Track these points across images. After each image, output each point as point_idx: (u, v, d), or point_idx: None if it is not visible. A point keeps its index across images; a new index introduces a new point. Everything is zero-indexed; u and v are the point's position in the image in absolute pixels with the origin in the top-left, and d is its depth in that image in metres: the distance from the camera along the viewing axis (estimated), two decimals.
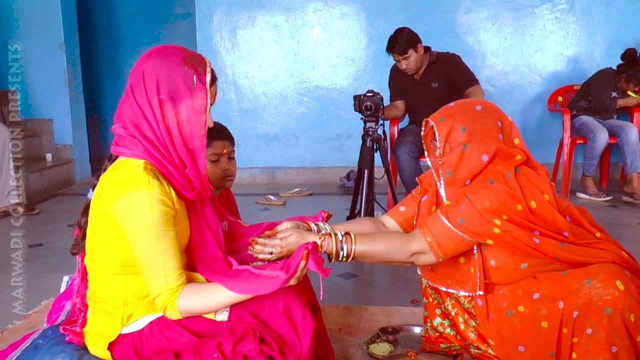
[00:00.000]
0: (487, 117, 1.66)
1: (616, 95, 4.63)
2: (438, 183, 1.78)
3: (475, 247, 1.66)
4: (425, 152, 1.82)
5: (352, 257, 1.61)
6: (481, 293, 1.69)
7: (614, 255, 1.61)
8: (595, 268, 1.54)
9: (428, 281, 1.87)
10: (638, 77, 4.56)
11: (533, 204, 1.59)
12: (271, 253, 1.56)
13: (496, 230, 1.57)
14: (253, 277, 1.38)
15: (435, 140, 1.70)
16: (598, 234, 1.69)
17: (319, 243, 1.57)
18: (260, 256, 1.58)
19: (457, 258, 1.72)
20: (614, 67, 4.65)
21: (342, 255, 1.61)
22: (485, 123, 1.65)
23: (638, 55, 4.56)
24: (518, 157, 1.65)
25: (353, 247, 1.60)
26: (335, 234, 1.62)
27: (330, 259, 1.62)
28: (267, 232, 1.67)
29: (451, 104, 1.75)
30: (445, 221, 1.61)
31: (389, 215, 1.96)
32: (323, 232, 1.70)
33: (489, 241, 1.58)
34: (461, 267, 1.72)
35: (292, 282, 1.38)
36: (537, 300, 1.61)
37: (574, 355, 1.53)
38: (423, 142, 1.81)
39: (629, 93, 4.71)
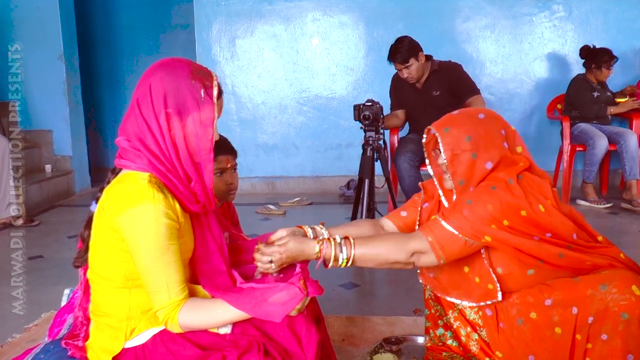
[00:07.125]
0: (491, 125, 1.67)
1: (598, 94, 4.67)
2: (440, 191, 1.78)
3: (483, 253, 1.65)
4: (427, 160, 1.81)
5: (352, 261, 1.57)
6: (489, 302, 1.67)
7: (615, 259, 1.61)
8: (610, 273, 1.54)
9: (432, 290, 1.85)
10: (605, 60, 4.61)
11: (541, 208, 1.58)
12: (271, 262, 1.52)
13: (487, 238, 1.56)
14: (256, 298, 1.37)
15: (438, 150, 1.70)
16: (600, 238, 1.70)
17: (316, 249, 1.55)
18: (259, 265, 1.53)
19: (462, 267, 1.71)
20: (585, 72, 4.76)
21: (342, 259, 1.57)
22: (490, 131, 1.65)
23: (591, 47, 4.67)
24: (521, 164, 1.65)
25: (352, 251, 1.57)
26: (334, 239, 1.58)
27: (325, 265, 1.58)
28: (261, 243, 1.59)
29: (454, 112, 1.74)
30: (444, 223, 1.58)
31: (389, 219, 1.92)
32: (320, 237, 1.67)
33: (487, 237, 1.55)
34: (466, 277, 1.71)
35: (293, 313, 1.38)
36: (550, 307, 1.60)
37: None
38: (425, 150, 1.80)
39: (617, 100, 4.75)
